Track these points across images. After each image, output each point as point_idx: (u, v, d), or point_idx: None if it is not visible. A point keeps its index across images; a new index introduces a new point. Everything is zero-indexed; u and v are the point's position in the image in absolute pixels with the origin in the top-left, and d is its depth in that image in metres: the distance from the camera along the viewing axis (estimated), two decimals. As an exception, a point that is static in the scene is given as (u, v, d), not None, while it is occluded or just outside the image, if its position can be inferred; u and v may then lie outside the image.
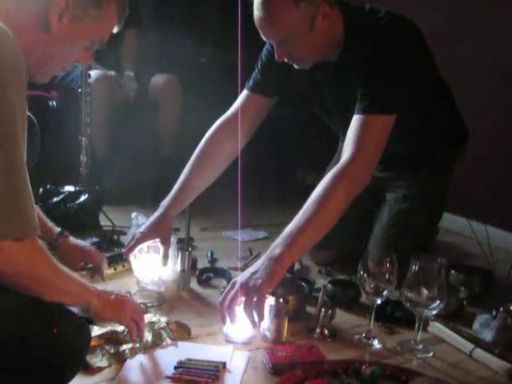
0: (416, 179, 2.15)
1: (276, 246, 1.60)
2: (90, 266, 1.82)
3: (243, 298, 1.53)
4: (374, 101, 1.77)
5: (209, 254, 2.27)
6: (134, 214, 2.11)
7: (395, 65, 1.78)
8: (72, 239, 1.75)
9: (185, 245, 1.97)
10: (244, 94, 2.12)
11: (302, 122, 3.38)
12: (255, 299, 1.51)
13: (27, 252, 1.09)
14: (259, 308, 1.52)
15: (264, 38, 1.82)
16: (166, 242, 1.94)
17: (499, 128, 2.67)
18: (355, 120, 1.78)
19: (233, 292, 1.55)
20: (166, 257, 1.94)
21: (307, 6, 1.71)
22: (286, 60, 1.82)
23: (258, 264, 1.59)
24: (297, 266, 2.22)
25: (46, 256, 1.16)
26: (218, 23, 3.90)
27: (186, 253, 1.95)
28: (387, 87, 1.79)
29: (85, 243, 1.82)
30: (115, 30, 1.32)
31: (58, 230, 1.73)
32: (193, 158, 2.06)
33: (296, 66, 1.87)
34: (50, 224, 1.72)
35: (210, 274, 2.05)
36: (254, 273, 1.56)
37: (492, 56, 2.52)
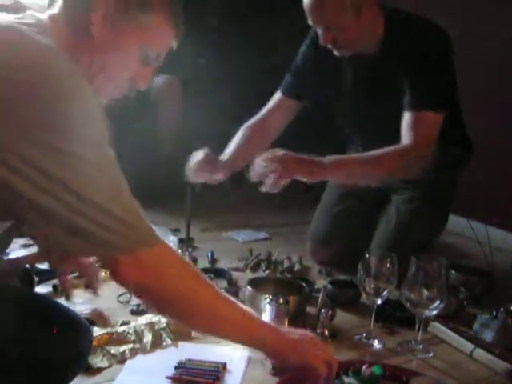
0: (423, 181, 2.15)
1: (325, 158, 1.86)
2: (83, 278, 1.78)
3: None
4: (427, 98, 1.92)
5: (209, 255, 2.26)
6: None
7: (442, 66, 1.95)
8: None
9: (185, 245, 1.97)
10: (277, 96, 2.26)
11: (302, 123, 3.37)
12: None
13: (164, 257, 1.08)
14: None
15: (311, 23, 1.93)
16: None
17: (499, 128, 2.67)
18: (410, 116, 1.93)
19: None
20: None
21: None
22: (328, 45, 1.94)
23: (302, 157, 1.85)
24: (297, 267, 2.22)
25: (188, 265, 1.13)
26: (217, 23, 3.91)
27: (187, 253, 1.95)
28: (438, 86, 1.94)
29: None
30: (173, 43, 1.23)
31: None
32: (232, 146, 2.21)
33: (336, 53, 1.98)
34: None
35: (211, 275, 2.05)
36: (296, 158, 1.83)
37: (492, 56, 2.52)
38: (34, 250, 1.90)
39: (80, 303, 1.70)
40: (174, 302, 1.07)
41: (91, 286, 1.69)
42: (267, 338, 1.14)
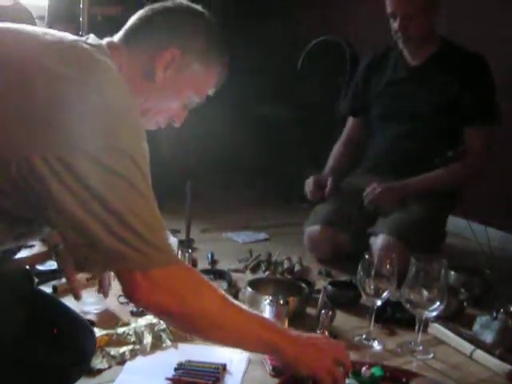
0: None
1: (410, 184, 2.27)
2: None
3: None
4: (488, 112, 2.24)
5: (209, 256, 2.26)
6: None
7: (492, 82, 2.25)
8: None
9: (185, 246, 1.97)
10: (350, 121, 2.59)
11: (302, 124, 3.38)
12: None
13: (180, 278, 1.08)
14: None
15: (391, 10, 2.21)
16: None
17: (499, 129, 2.66)
18: (476, 132, 2.25)
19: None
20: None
21: None
22: (399, 34, 2.23)
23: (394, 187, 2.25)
24: (297, 268, 2.22)
25: (202, 280, 1.14)
26: (217, 23, 3.91)
27: (187, 254, 1.95)
28: (495, 101, 2.24)
29: None
30: (212, 91, 1.30)
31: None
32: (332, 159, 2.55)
33: (400, 46, 2.30)
34: (56, 233, 1.69)
35: (211, 276, 2.04)
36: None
37: (492, 56, 2.51)
38: (35, 251, 1.91)
39: (90, 303, 1.71)
40: (197, 319, 1.10)
41: (102, 287, 1.71)
42: (281, 345, 1.18)
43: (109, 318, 1.68)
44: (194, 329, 1.15)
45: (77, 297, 1.65)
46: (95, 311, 1.71)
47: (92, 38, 1.12)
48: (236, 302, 1.18)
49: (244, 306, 1.19)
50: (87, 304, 1.70)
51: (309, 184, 2.41)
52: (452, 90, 2.23)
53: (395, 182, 2.27)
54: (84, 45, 1.06)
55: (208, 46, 1.22)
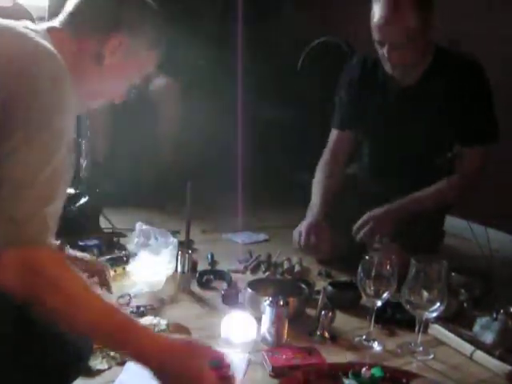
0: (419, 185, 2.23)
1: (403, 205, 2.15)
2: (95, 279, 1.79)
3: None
4: (487, 132, 2.15)
5: (209, 256, 2.26)
6: (138, 224, 2.11)
7: (490, 97, 2.14)
8: (71, 251, 1.71)
9: (185, 247, 1.97)
10: (334, 133, 2.39)
11: (302, 125, 3.38)
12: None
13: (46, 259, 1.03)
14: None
15: (379, 38, 2.02)
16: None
17: (499, 130, 2.66)
18: (474, 151, 2.17)
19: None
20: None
21: (426, 16, 2.00)
22: (391, 63, 2.06)
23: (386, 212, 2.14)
24: (297, 268, 2.22)
25: (64, 264, 1.09)
26: (217, 25, 3.91)
27: (186, 255, 1.95)
28: (492, 119, 2.15)
29: (84, 254, 1.76)
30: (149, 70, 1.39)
31: (57, 243, 1.70)
32: (317, 186, 2.33)
33: (390, 71, 2.12)
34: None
35: (211, 277, 2.05)
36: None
37: (492, 57, 2.51)
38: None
39: None
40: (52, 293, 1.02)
41: (104, 283, 1.72)
42: (145, 348, 1.08)
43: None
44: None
45: (110, 290, 1.69)
46: None
47: (30, 24, 1.17)
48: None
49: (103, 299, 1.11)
50: None
51: (300, 233, 2.20)
52: (448, 109, 2.13)
53: (388, 206, 2.15)
54: (22, 29, 1.11)
55: (153, 31, 1.31)
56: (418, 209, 2.16)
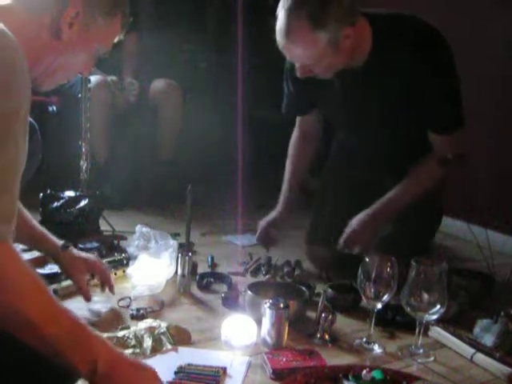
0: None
1: (380, 207, 2.05)
2: (96, 280, 1.78)
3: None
4: (453, 118, 1.95)
5: (209, 259, 2.26)
6: (138, 226, 2.11)
7: (454, 76, 1.92)
8: (75, 251, 1.72)
9: (185, 250, 1.97)
10: (298, 119, 2.33)
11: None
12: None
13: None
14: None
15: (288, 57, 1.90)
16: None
17: (499, 133, 2.67)
18: (440, 138, 1.98)
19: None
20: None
21: (329, 32, 1.76)
22: (308, 76, 1.89)
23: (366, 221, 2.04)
24: (297, 271, 2.22)
25: (21, 262, 1.02)
26: (217, 27, 3.91)
27: (186, 257, 1.95)
28: (458, 100, 1.94)
29: (88, 255, 1.79)
30: (118, 38, 1.35)
31: (61, 242, 1.69)
32: (288, 166, 2.33)
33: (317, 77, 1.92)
34: (52, 237, 1.69)
35: (211, 279, 2.04)
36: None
37: (491, 59, 2.52)
38: (35, 254, 1.91)
39: (96, 302, 1.74)
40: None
41: (107, 284, 1.73)
42: (99, 356, 1.03)
43: (109, 322, 1.68)
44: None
45: (87, 299, 1.68)
46: (103, 310, 1.73)
47: None
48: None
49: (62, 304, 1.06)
50: (95, 303, 1.72)
51: (259, 227, 2.26)
52: (400, 92, 1.92)
53: (368, 212, 2.05)
54: None
55: None
56: (397, 205, 2.05)
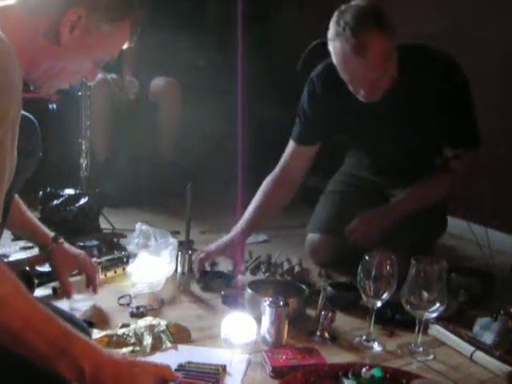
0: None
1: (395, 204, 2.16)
2: (82, 276, 1.78)
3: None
4: (472, 138, 2.07)
5: (209, 257, 2.26)
6: (138, 224, 2.11)
7: (471, 99, 2.03)
8: (67, 246, 1.72)
9: (185, 248, 1.97)
10: (291, 145, 2.23)
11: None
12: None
13: None
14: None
15: (346, 76, 1.90)
16: (238, 263, 2.12)
17: (498, 132, 2.66)
18: (455, 155, 2.08)
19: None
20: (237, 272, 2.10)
21: (392, 41, 1.84)
22: (363, 95, 1.92)
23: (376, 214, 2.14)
24: (297, 269, 2.22)
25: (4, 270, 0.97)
26: (217, 26, 3.91)
27: (186, 255, 1.95)
28: (475, 121, 2.06)
29: (79, 251, 1.78)
30: (125, 45, 1.26)
31: (52, 234, 1.70)
32: (253, 204, 2.21)
33: (364, 100, 1.95)
34: (44, 229, 1.69)
35: (211, 277, 2.04)
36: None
37: (491, 60, 2.52)
38: (34, 252, 1.91)
39: (79, 300, 1.74)
40: None
41: (91, 282, 1.72)
42: (84, 364, 0.99)
43: (109, 319, 1.68)
44: None
45: (68, 296, 1.67)
46: (83, 308, 1.72)
47: None
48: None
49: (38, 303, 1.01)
50: (75, 301, 1.72)
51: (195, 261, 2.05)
52: (425, 114, 2.02)
53: (379, 209, 2.16)
54: None
55: (114, 2, 1.18)
56: (405, 209, 2.12)
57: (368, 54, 1.79)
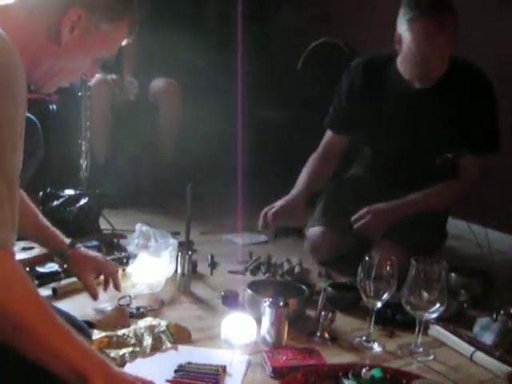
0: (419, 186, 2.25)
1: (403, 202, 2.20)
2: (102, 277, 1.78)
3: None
4: (492, 141, 2.18)
5: (209, 258, 2.26)
6: (138, 225, 2.11)
7: (495, 111, 2.17)
8: (83, 250, 1.72)
9: (185, 248, 1.97)
10: (328, 134, 2.40)
11: (302, 126, 3.38)
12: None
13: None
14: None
15: (422, 55, 2.01)
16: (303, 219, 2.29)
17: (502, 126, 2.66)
18: (474, 159, 2.20)
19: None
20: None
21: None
22: (431, 77, 2.08)
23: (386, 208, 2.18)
24: (297, 269, 2.22)
25: (25, 280, 1.00)
26: (217, 26, 3.91)
27: (186, 256, 1.95)
28: (497, 129, 2.18)
29: (96, 253, 1.78)
30: (124, 43, 1.29)
31: (69, 240, 1.69)
32: (304, 173, 2.37)
33: (418, 85, 2.12)
34: (61, 235, 1.69)
35: (283, 232, 2.25)
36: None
37: (491, 61, 2.51)
38: (34, 252, 1.91)
39: (103, 301, 1.75)
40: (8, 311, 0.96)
41: (115, 283, 1.72)
42: (93, 379, 1.02)
43: (113, 320, 1.68)
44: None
45: (95, 297, 1.68)
46: (109, 308, 1.74)
47: None
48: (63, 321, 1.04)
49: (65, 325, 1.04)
50: (101, 302, 1.73)
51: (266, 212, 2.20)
52: (456, 119, 2.14)
53: (388, 203, 2.19)
54: None
55: (113, 2, 1.20)
56: (415, 208, 2.19)
57: (449, 31, 1.97)
